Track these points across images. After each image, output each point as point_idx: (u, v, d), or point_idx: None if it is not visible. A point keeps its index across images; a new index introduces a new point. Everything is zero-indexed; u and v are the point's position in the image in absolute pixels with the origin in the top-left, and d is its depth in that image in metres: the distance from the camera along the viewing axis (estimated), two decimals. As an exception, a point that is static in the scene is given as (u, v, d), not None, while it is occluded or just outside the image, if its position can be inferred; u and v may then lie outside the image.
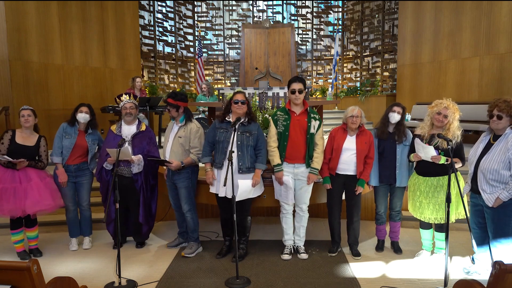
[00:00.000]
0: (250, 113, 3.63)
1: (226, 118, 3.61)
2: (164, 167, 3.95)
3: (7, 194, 3.58)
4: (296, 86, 3.57)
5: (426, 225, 3.65)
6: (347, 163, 3.64)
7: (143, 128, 4.02)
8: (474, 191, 3.15)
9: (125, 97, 3.96)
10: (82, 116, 3.90)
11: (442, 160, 3.27)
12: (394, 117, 3.65)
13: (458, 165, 3.37)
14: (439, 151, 3.34)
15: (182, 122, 3.82)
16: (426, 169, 3.46)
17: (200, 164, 3.88)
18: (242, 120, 3.51)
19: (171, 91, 4.30)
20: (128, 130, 3.96)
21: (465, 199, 3.10)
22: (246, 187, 3.45)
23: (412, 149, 3.58)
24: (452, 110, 3.36)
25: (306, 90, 3.66)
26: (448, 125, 3.39)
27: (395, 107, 3.68)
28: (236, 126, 3.46)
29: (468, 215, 3.18)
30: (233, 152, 3.38)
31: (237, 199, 3.36)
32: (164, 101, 3.85)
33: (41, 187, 3.72)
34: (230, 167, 3.24)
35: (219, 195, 3.60)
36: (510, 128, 2.98)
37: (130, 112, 3.93)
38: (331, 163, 3.69)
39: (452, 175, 2.97)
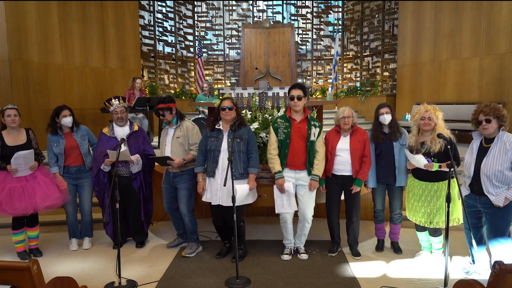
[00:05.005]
0: (240, 117, 3.60)
1: (216, 126, 3.60)
2: (164, 168, 3.95)
3: (17, 193, 3.58)
4: (295, 92, 3.56)
5: (420, 228, 3.64)
6: (343, 164, 3.64)
7: (136, 128, 4.04)
8: (474, 192, 3.15)
9: (115, 101, 3.94)
10: (68, 121, 3.86)
11: (435, 167, 3.29)
12: (386, 118, 3.67)
13: (445, 169, 3.36)
14: (432, 158, 3.35)
15: (176, 123, 3.84)
16: (421, 174, 3.47)
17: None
18: (233, 123, 3.48)
19: (158, 97, 4.25)
20: (122, 131, 3.96)
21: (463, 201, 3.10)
22: (243, 192, 3.46)
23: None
24: (432, 110, 3.43)
25: (306, 97, 3.65)
26: (435, 128, 3.42)
27: (381, 109, 3.70)
28: (230, 131, 3.47)
29: (466, 213, 3.17)
30: (233, 153, 3.39)
31: (237, 204, 3.36)
32: (155, 110, 3.84)
33: (47, 182, 3.74)
34: (230, 167, 3.23)
35: (212, 203, 3.58)
36: (501, 131, 3.04)
37: (121, 117, 3.93)
38: (327, 165, 3.70)
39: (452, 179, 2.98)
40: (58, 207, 3.86)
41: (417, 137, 3.51)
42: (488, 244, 3.17)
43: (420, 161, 3.31)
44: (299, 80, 11.02)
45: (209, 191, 3.61)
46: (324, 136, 3.80)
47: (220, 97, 6.11)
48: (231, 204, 3.32)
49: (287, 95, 3.68)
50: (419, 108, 3.51)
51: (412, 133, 3.55)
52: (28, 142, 3.76)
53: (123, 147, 3.75)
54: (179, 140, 3.77)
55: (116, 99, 3.95)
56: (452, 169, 2.92)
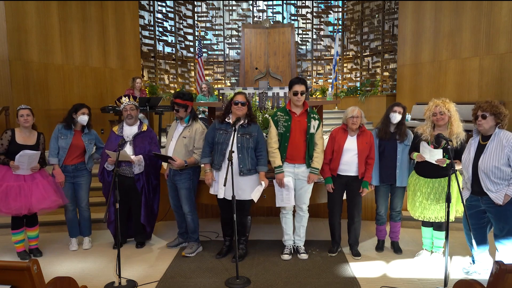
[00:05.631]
0: (250, 114, 3.61)
1: (226, 119, 3.59)
2: (166, 167, 3.95)
3: (13, 192, 3.58)
4: (299, 88, 3.55)
5: (427, 223, 3.66)
6: (348, 164, 3.63)
7: (145, 128, 4.04)
8: (475, 193, 3.16)
9: (125, 99, 3.97)
10: (84, 119, 3.91)
11: (447, 163, 3.28)
12: (396, 117, 3.65)
13: (459, 167, 3.37)
14: (444, 154, 3.34)
15: (187, 122, 3.81)
16: (427, 170, 3.46)
17: (202, 165, 3.88)
18: (242, 121, 3.50)
19: (177, 91, 4.14)
20: (130, 130, 3.98)
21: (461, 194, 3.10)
22: (261, 189, 3.50)
23: (414, 148, 3.59)
24: (442, 104, 3.41)
25: (307, 92, 3.66)
26: (450, 121, 3.41)
27: (395, 107, 3.69)
28: (236, 127, 3.46)
29: (466, 214, 3.18)
30: (233, 152, 3.39)
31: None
32: (172, 102, 3.82)
33: (46, 184, 3.74)
34: (230, 167, 3.24)
35: (218, 197, 3.60)
36: (498, 128, 3.05)
37: (131, 114, 3.95)
38: (332, 164, 3.69)
39: (452, 176, 2.98)
40: (51, 212, 3.85)
41: (432, 131, 3.50)
42: (495, 243, 3.15)
43: (436, 155, 3.29)
44: (299, 80, 11.01)
45: (216, 184, 3.61)
46: (330, 133, 3.80)
47: (221, 97, 6.12)
48: (238, 198, 3.37)
49: (289, 89, 3.66)
50: (429, 104, 3.50)
51: (426, 126, 3.53)
52: (37, 145, 3.78)
53: (124, 147, 3.76)
54: (185, 141, 3.76)
55: (126, 97, 3.99)
56: (452, 168, 2.93)
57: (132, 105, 3.97)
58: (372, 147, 3.65)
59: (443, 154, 3.32)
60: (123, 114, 4.01)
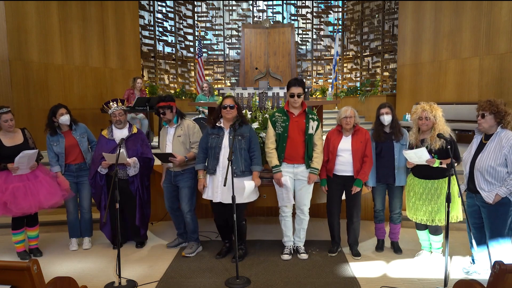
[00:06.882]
0: (241, 116, 3.62)
1: (217, 124, 3.61)
2: (163, 168, 3.95)
3: (21, 192, 3.58)
4: (295, 90, 3.55)
5: (421, 226, 3.64)
6: (344, 164, 3.63)
7: (135, 130, 4.03)
8: (470, 190, 3.17)
9: (113, 104, 3.92)
10: (65, 119, 3.86)
11: (437, 163, 3.28)
12: (385, 118, 3.66)
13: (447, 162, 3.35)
14: (432, 154, 3.34)
15: (176, 122, 3.84)
16: (422, 172, 3.46)
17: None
18: (232, 122, 3.52)
19: (157, 97, 4.08)
20: (120, 133, 3.96)
21: (462, 199, 3.10)
22: (251, 189, 3.46)
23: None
24: (430, 109, 3.40)
25: (306, 91, 3.66)
26: (434, 126, 3.41)
27: (382, 109, 3.70)
28: (236, 126, 3.47)
29: (466, 213, 3.18)
30: (233, 152, 3.40)
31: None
32: (156, 109, 3.83)
33: (49, 180, 3.75)
34: (230, 167, 3.23)
35: (214, 201, 3.59)
36: (500, 127, 3.03)
37: (120, 119, 3.92)
38: (328, 164, 3.70)
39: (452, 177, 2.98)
40: (61, 204, 3.86)
41: (417, 135, 3.53)
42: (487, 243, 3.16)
43: (422, 156, 3.28)
44: (299, 80, 11.01)
45: (210, 189, 3.61)
46: (326, 135, 3.80)
47: (221, 97, 6.13)
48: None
49: (286, 90, 3.67)
50: (417, 107, 3.51)
51: (413, 131, 3.56)
52: (25, 141, 3.76)
53: (117, 150, 3.75)
54: (181, 139, 3.78)
55: (114, 102, 3.92)
56: (452, 169, 2.92)
57: (120, 110, 3.92)
58: (367, 144, 3.63)
59: (432, 155, 3.32)
60: (112, 120, 3.97)
